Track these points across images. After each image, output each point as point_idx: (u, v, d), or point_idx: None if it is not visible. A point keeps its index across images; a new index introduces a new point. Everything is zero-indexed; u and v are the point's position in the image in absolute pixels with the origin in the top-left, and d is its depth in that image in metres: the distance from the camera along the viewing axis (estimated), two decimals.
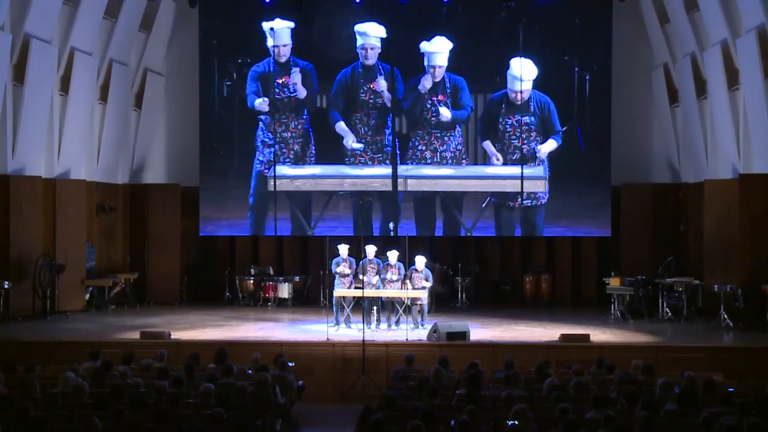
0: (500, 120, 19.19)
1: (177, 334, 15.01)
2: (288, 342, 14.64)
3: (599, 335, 15.23)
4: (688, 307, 17.21)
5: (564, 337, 14.55)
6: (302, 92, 19.27)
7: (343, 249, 16.41)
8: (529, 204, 19.13)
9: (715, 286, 16.76)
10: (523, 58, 18.82)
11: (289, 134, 19.46)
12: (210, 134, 19.91)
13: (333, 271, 16.34)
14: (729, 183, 17.46)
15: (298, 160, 19.45)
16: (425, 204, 19.51)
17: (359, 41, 19.15)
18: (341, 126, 19.26)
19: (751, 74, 16.60)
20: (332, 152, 19.42)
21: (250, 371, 11.24)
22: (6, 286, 16.62)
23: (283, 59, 19.32)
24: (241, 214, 19.74)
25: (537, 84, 19.05)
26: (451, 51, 19.06)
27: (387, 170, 19.02)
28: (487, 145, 19.29)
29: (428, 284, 16.12)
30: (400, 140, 19.39)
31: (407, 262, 16.94)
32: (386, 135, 19.32)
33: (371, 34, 19.06)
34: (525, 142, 19.12)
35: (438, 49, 18.98)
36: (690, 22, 18.49)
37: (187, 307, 19.44)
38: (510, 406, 8.88)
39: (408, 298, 15.89)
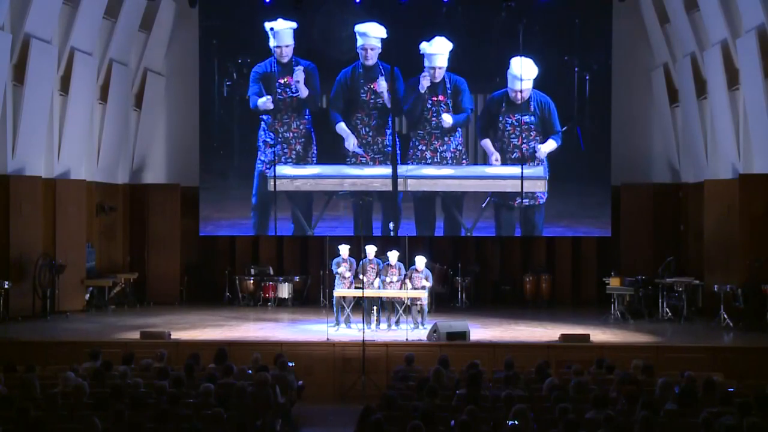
0: (500, 119, 19.19)
1: (177, 334, 15.01)
2: (288, 342, 14.64)
3: (599, 335, 15.23)
4: (688, 307, 17.21)
5: (564, 337, 14.55)
6: (304, 92, 19.27)
7: (344, 249, 16.41)
8: (528, 204, 19.12)
9: (715, 286, 16.76)
10: (523, 58, 18.82)
11: (291, 134, 19.46)
12: (210, 134, 19.90)
13: (334, 272, 16.33)
14: (729, 183, 17.46)
15: (300, 160, 19.45)
16: (425, 204, 19.51)
17: (359, 42, 19.15)
18: (342, 127, 19.26)
19: (751, 74, 16.60)
20: (334, 152, 19.42)
21: (250, 371, 11.24)
22: (6, 286, 16.62)
23: (285, 59, 19.32)
24: (241, 214, 19.74)
25: (537, 84, 19.05)
26: (451, 51, 19.06)
27: (387, 170, 19.03)
28: (486, 143, 19.29)
29: (428, 284, 16.12)
30: (400, 140, 19.39)
31: (407, 262, 16.95)
32: (387, 135, 19.32)
33: (371, 34, 19.06)
34: (524, 141, 19.11)
35: (438, 51, 18.97)
36: (690, 22, 18.49)
37: (187, 307, 19.44)
38: (510, 406, 8.88)
39: (408, 298, 15.89)
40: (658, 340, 15.14)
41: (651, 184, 20.33)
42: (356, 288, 15.84)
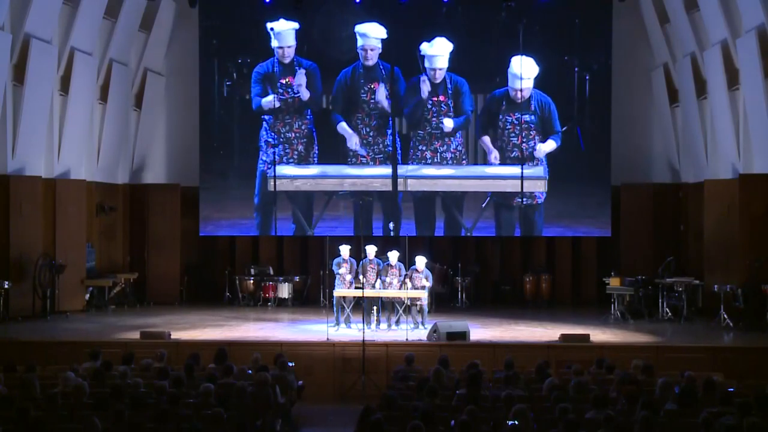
0: (500, 117, 19.19)
1: (177, 334, 15.01)
2: (288, 342, 14.63)
3: (599, 335, 15.23)
4: (688, 307, 17.21)
5: (564, 337, 14.55)
6: (305, 94, 19.28)
7: (345, 250, 16.40)
8: (526, 203, 19.09)
9: (715, 286, 16.76)
10: (524, 57, 18.82)
11: (293, 134, 19.46)
12: (210, 134, 19.91)
13: (335, 272, 16.31)
14: (729, 183, 17.46)
15: (302, 160, 19.45)
16: (425, 204, 19.51)
17: (359, 42, 19.15)
18: (343, 127, 19.26)
19: (751, 74, 16.60)
20: (335, 152, 19.43)
21: (250, 371, 11.24)
22: (6, 286, 16.62)
23: (287, 60, 19.32)
24: (241, 214, 19.74)
25: (537, 83, 19.04)
26: (451, 52, 19.05)
27: (387, 170, 19.02)
28: (485, 140, 19.28)
29: (428, 284, 16.12)
30: (401, 140, 19.39)
31: (407, 262, 16.95)
32: (387, 135, 19.32)
33: (371, 35, 19.06)
34: (524, 140, 19.11)
35: (438, 52, 18.95)
36: (690, 22, 18.49)
37: (187, 307, 19.44)
38: (510, 406, 8.88)
39: (408, 298, 15.89)
40: (658, 340, 15.14)
41: (651, 184, 20.32)
42: (356, 288, 15.84)
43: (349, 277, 16.17)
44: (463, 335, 14.49)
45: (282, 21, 19.17)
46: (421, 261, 16.17)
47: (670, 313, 17.26)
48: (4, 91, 16.78)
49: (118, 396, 9.54)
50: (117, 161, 20.46)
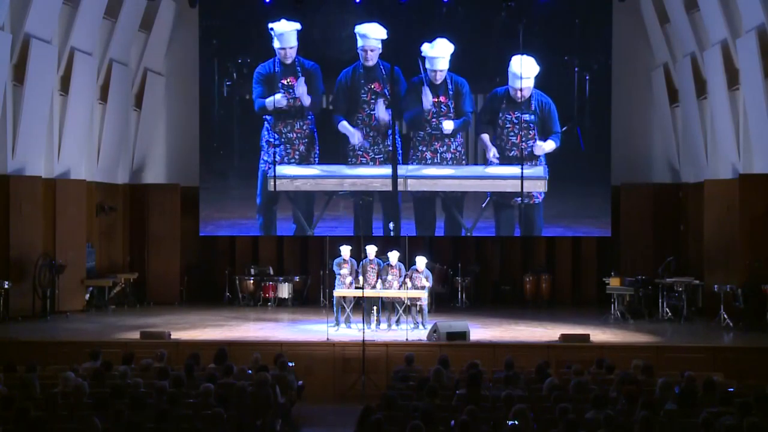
0: (500, 115, 19.18)
1: (177, 334, 15.01)
2: (288, 342, 14.63)
3: (599, 335, 15.23)
4: (688, 307, 17.21)
5: (564, 337, 14.55)
6: (307, 100, 19.28)
7: (345, 250, 16.40)
8: (524, 203, 19.07)
9: (715, 286, 16.76)
10: (524, 56, 18.81)
11: (295, 135, 19.46)
12: (210, 134, 19.91)
13: (336, 273, 16.29)
14: (729, 183, 17.46)
15: (303, 161, 19.46)
16: (425, 204, 19.51)
17: (360, 43, 19.15)
18: (344, 125, 19.27)
19: (751, 74, 16.60)
20: (336, 153, 19.43)
21: (250, 371, 11.24)
22: (6, 286, 16.62)
23: (289, 61, 19.32)
24: (241, 214, 19.74)
25: (537, 83, 19.03)
26: (452, 53, 19.03)
27: (387, 170, 19.02)
28: (484, 138, 19.26)
29: (428, 284, 16.12)
30: (401, 141, 19.38)
31: (407, 262, 16.95)
32: (387, 135, 19.31)
33: (371, 35, 19.05)
34: (523, 139, 19.11)
35: (439, 54, 18.94)
36: (690, 22, 18.49)
37: (187, 307, 19.44)
38: (510, 406, 8.88)
39: (408, 299, 15.89)
40: (658, 340, 15.14)
41: (651, 184, 20.32)
42: (356, 288, 15.84)
43: (349, 279, 16.16)
44: (463, 335, 14.49)
45: (283, 22, 19.16)
46: (421, 261, 16.17)
47: (670, 313, 17.26)
48: (4, 91, 16.78)
49: (118, 396, 9.55)
50: (117, 161, 20.46)
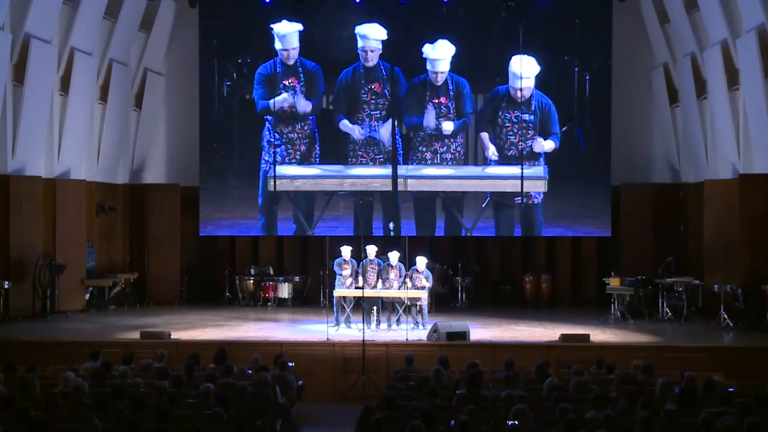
0: (500, 114, 19.18)
1: (177, 334, 15.01)
2: (288, 342, 14.63)
3: (599, 335, 15.23)
4: (688, 307, 17.21)
5: (564, 337, 14.55)
6: (307, 107, 19.28)
7: (346, 251, 16.39)
8: (523, 203, 19.07)
9: (715, 286, 16.76)
10: (524, 56, 18.80)
11: (296, 135, 19.46)
12: (210, 134, 19.91)
13: (337, 273, 16.28)
14: (729, 183, 17.46)
15: (304, 161, 19.46)
16: (425, 204, 19.50)
17: (360, 43, 19.14)
18: (345, 123, 19.27)
19: (751, 74, 16.60)
20: (337, 153, 19.43)
21: (250, 371, 11.24)
22: (6, 286, 16.62)
23: (291, 62, 19.32)
24: (241, 214, 19.74)
25: (537, 83, 19.02)
26: (453, 54, 19.04)
27: (387, 170, 19.01)
28: (483, 136, 19.25)
29: (428, 285, 16.12)
30: (401, 141, 19.37)
31: (407, 262, 16.95)
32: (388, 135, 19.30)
33: (371, 36, 19.05)
34: (521, 139, 19.11)
35: (441, 56, 18.93)
36: (690, 22, 18.49)
37: (187, 307, 19.44)
38: (510, 406, 8.88)
39: (408, 299, 15.89)
40: (658, 340, 15.14)
41: (651, 184, 20.32)
42: (356, 288, 15.84)
43: (349, 280, 16.15)
44: (463, 335, 14.49)
45: (285, 23, 19.15)
46: (421, 261, 16.16)
47: (670, 313, 17.26)
48: (4, 91, 16.78)
49: (118, 396, 9.55)
50: (117, 161, 20.46)
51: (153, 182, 21.01)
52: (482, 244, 20.81)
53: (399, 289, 15.93)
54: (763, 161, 16.64)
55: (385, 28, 19.04)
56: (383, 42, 19.09)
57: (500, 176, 18.98)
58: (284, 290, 19.64)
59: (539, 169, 19.03)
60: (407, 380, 11.40)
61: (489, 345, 14.38)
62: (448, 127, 19.07)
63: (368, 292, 15.78)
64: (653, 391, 10.10)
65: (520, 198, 18.93)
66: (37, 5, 16.94)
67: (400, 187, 18.96)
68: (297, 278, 20.07)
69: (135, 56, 20.61)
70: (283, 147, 19.38)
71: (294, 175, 19.18)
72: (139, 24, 20.21)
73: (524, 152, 18.95)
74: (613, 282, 17.67)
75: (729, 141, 17.61)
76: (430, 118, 19.01)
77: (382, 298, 16.13)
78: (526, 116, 19.11)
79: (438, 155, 19.27)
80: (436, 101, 19.12)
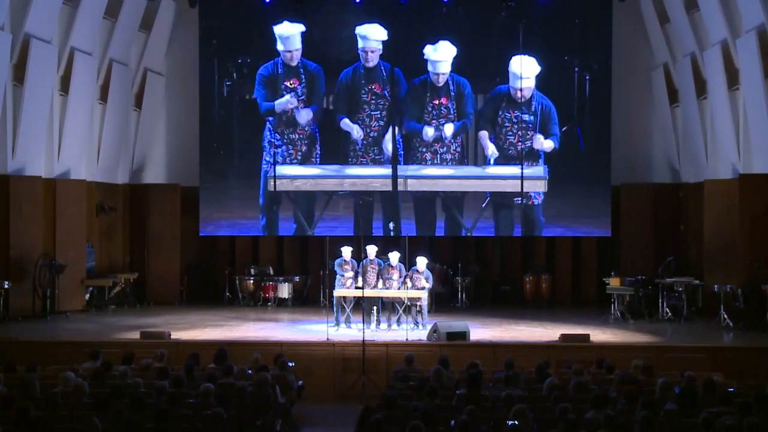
0: (500, 113, 19.17)
1: (177, 334, 15.01)
2: (288, 342, 14.63)
3: (599, 335, 15.23)
4: (688, 307, 17.21)
5: (564, 337, 14.55)
6: (308, 116, 19.28)
7: (346, 251, 16.39)
8: (522, 203, 19.07)
9: (715, 286, 16.76)
10: (524, 56, 18.80)
11: (297, 135, 19.46)
12: (210, 134, 19.91)
13: (338, 273, 16.27)
14: (729, 183, 17.46)
15: (305, 161, 19.46)
16: (425, 204, 19.50)
17: (360, 44, 19.14)
18: (346, 122, 19.28)
19: (751, 74, 16.60)
20: (337, 153, 19.43)
21: (250, 371, 11.24)
22: (6, 286, 16.62)
23: (293, 63, 19.31)
24: (241, 214, 19.74)
25: (537, 83, 19.02)
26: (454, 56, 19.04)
27: (387, 170, 19.01)
28: (483, 135, 19.25)
29: (428, 285, 16.11)
30: (401, 141, 19.37)
31: (407, 262, 16.95)
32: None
33: (372, 37, 19.05)
34: (520, 139, 19.11)
35: (442, 57, 18.93)
36: (690, 22, 18.49)
37: (187, 307, 19.44)
38: (510, 406, 8.88)
39: (407, 299, 15.89)
40: (658, 340, 15.14)
41: (651, 184, 20.32)
42: (356, 288, 15.84)
43: (349, 281, 16.14)
44: (463, 335, 14.49)
45: (287, 24, 19.14)
46: (422, 261, 16.16)
47: (670, 313, 17.26)
48: (4, 91, 16.78)
49: (118, 396, 9.54)
50: (117, 161, 20.46)
51: (153, 182, 21.01)
52: (482, 244, 20.81)
53: (399, 289, 15.93)
54: (763, 161, 16.64)
55: (385, 28, 19.05)
56: (383, 42, 19.08)
57: (500, 176, 18.98)
58: (284, 290, 19.64)
59: (539, 169, 19.03)
60: (407, 380, 11.40)
61: (489, 345, 14.38)
62: (448, 131, 19.07)
63: (368, 292, 15.78)
64: (653, 391, 10.10)
65: (519, 198, 18.93)
66: (37, 5, 16.94)
67: (400, 187, 18.96)
68: (297, 278, 20.07)
69: (135, 56, 20.61)
70: (284, 147, 19.38)
71: (294, 175, 19.18)
72: (139, 24, 20.21)
73: (523, 152, 18.95)
74: (613, 282, 17.68)
75: (729, 141, 17.61)
76: (428, 134, 19.03)
77: (382, 298, 16.13)
78: (526, 116, 19.11)
79: (438, 155, 19.27)
80: (437, 102, 19.11)
